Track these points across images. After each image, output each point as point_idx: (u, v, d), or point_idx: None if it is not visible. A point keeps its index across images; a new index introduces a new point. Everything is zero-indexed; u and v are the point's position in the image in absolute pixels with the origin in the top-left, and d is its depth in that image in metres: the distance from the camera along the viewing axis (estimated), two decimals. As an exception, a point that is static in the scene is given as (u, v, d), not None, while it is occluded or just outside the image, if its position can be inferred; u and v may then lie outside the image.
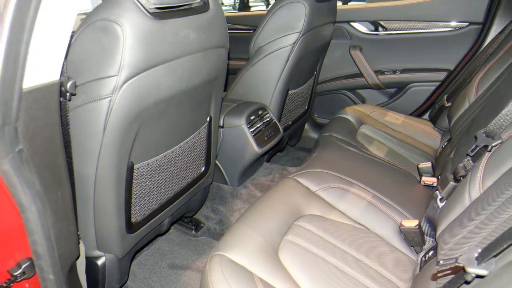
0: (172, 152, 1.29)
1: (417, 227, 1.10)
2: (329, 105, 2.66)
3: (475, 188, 0.93)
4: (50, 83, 0.79)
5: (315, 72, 2.30)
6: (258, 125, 1.85)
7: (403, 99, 2.39)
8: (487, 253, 0.60)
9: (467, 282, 0.63)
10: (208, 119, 1.44)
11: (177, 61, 1.07)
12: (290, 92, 2.06)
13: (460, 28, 2.12)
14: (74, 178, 1.05)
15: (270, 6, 2.59)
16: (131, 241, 1.28)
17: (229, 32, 1.30)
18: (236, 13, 3.06)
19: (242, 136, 1.81)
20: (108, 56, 0.91)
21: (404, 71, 2.31)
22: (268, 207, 1.20)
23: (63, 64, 0.82)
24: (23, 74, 0.72)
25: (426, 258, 1.07)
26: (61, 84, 0.85)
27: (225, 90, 1.64)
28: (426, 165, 1.47)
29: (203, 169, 1.56)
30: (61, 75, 0.82)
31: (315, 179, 1.38)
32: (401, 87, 2.38)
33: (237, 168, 1.89)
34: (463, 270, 0.63)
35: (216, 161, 1.92)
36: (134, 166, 1.14)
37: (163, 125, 1.18)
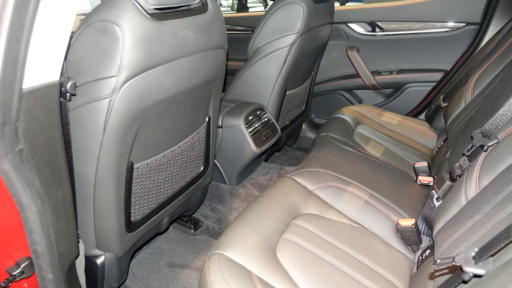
0: (172, 151, 1.30)
1: (413, 226, 1.11)
2: (326, 106, 2.67)
3: (471, 188, 0.94)
4: (50, 83, 0.79)
5: (312, 73, 2.31)
6: (256, 125, 1.86)
7: (400, 99, 2.40)
8: (484, 253, 0.60)
9: (465, 282, 0.64)
10: (207, 119, 1.45)
11: (176, 61, 1.07)
12: (287, 92, 2.07)
13: (457, 28, 2.13)
14: (74, 177, 1.05)
15: (268, 7, 2.59)
16: (131, 240, 1.28)
17: (228, 33, 1.31)
18: (234, 14, 3.06)
19: (240, 136, 1.81)
20: (108, 57, 0.91)
21: (400, 71, 2.33)
22: (266, 206, 1.20)
23: (63, 64, 0.82)
24: (23, 74, 0.72)
25: (423, 257, 1.07)
26: (61, 84, 0.86)
27: (223, 90, 1.65)
28: (422, 164, 1.48)
29: (202, 168, 1.57)
30: (61, 76, 0.82)
31: (312, 179, 1.38)
32: (397, 87, 2.39)
33: (235, 167, 1.90)
34: (460, 269, 0.63)
35: (215, 161, 1.93)
36: (134, 165, 1.15)
37: (163, 125, 1.18)
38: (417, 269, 1.07)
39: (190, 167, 1.47)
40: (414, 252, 1.16)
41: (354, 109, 2.06)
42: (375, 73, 2.39)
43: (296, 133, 2.65)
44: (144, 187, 1.24)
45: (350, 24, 2.38)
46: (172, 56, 1.05)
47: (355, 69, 2.41)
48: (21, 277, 0.91)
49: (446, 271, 0.79)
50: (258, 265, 0.99)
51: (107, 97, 0.94)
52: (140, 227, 1.30)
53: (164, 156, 1.27)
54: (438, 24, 2.18)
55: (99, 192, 1.08)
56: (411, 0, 2.19)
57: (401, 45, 2.29)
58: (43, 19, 0.72)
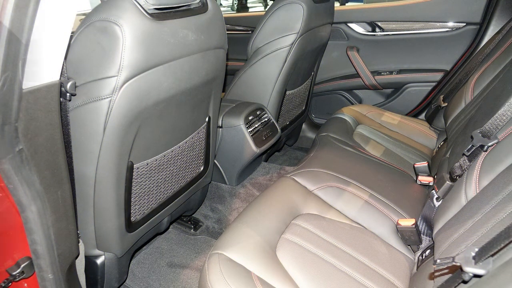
0: (172, 151, 1.30)
1: (413, 226, 1.11)
2: (326, 106, 2.67)
3: (471, 188, 0.94)
4: (50, 83, 0.79)
5: (312, 73, 2.31)
6: (256, 125, 1.86)
7: (400, 99, 2.40)
8: (484, 253, 0.60)
9: (465, 282, 0.64)
10: (207, 119, 1.45)
11: (176, 61, 1.07)
12: (287, 92, 2.07)
13: (457, 28, 2.13)
14: (74, 177, 1.05)
15: (268, 7, 2.59)
16: (131, 240, 1.28)
17: (228, 33, 1.31)
18: (235, 14, 3.06)
19: (240, 136, 1.81)
20: (108, 57, 0.91)
21: (400, 71, 2.33)
22: (266, 206, 1.20)
23: (63, 64, 0.82)
24: (23, 74, 0.72)
25: (423, 257, 1.07)
26: (61, 84, 0.86)
27: (223, 90, 1.65)
28: (422, 164, 1.48)
29: (202, 168, 1.57)
30: (61, 76, 0.82)
31: (312, 179, 1.38)
32: (397, 87, 2.39)
33: (235, 167, 1.90)
34: (460, 269, 0.63)
35: (215, 161, 1.93)
36: (134, 165, 1.15)
37: (163, 125, 1.18)
38: (417, 269, 1.07)
39: (190, 167, 1.47)
40: (414, 252, 1.16)
41: (354, 109, 2.06)
42: (375, 73, 2.39)
43: (296, 133, 2.65)
44: (144, 187, 1.24)
45: (350, 24, 2.38)
46: (172, 56, 1.05)
47: (355, 69, 2.41)
48: (21, 277, 0.92)
49: (446, 271, 0.79)
50: (258, 265, 0.99)
51: (107, 97, 0.94)
52: (140, 227, 1.30)
53: (164, 156, 1.27)
54: (438, 24, 2.18)
55: (99, 192, 1.08)
56: (411, 0, 2.19)
57: (401, 45, 2.29)
58: (43, 19, 0.72)
